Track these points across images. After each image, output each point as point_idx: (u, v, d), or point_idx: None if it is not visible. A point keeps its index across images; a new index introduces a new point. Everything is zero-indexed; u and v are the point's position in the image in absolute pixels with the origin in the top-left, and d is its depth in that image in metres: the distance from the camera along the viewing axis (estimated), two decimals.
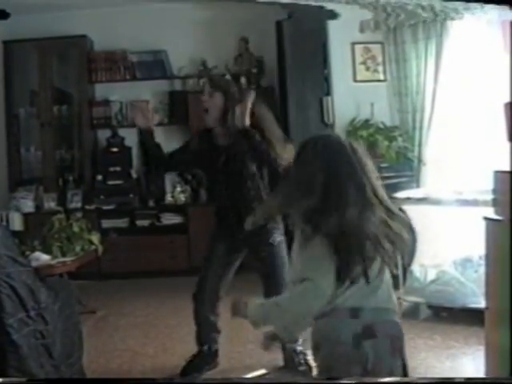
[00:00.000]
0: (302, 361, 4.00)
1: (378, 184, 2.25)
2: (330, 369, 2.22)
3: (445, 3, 5.54)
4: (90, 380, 3.85)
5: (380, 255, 2.16)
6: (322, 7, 6.17)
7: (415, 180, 6.04)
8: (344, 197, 2.15)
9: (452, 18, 5.76)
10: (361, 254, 2.13)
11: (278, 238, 3.89)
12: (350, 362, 2.17)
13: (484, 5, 5.27)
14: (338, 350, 2.19)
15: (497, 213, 3.21)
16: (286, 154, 3.56)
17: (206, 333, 4.08)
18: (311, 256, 2.16)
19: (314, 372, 3.96)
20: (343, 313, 2.18)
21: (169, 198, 7.05)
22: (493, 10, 5.39)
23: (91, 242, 5.24)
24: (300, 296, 2.17)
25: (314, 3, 6.01)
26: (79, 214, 6.23)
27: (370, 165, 2.25)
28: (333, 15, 6.22)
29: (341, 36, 6.30)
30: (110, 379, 3.74)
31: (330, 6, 6.15)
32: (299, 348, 4.02)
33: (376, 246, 2.15)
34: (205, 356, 4.06)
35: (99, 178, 6.97)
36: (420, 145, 6.09)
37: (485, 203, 3.98)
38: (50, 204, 6.88)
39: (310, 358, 4.07)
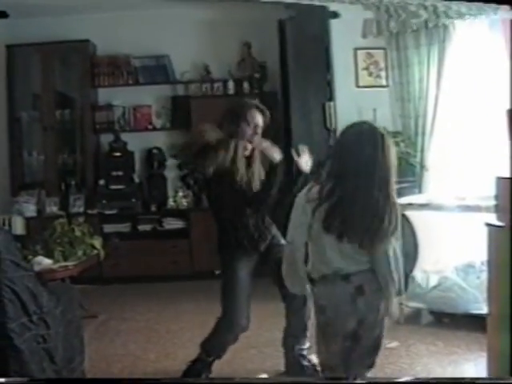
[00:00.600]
0: (310, 365, 3.98)
1: (387, 181, 2.61)
2: (332, 323, 2.74)
3: (447, 3, 5.52)
4: (90, 380, 3.85)
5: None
6: (324, 8, 6.16)
7: (417, 185, 6.02)
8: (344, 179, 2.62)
9: (454, 21, 5.76)
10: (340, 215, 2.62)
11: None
12: (348, 316, 2.70)
13: (485, 5, 5.26)
14: (339, 308, 2.71)
15: (499, 219, 3.21)
16: None
17: (225, 348, 3.97)
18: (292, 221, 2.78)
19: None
20: (337, 279, 2.70)
21: (171, 203, 7.05)
22: (494, 12, 5.39)
23: (93, 247, 5.24)
24: (287, 257, 2.87)
25: (317, 3, 6.01)
26: (81, 219, 6.23)
27: (387, 161, 2.60)
28: (335, 17, 6.21)
29: (343, 41, 6.30)
30: (112, 379, 3.74)
31: (333, 6, 6.14)
32: (305, 352, 4.02)
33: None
34: (207, 362, 4.03)
35: (101, 182, 6.98)
36: (422, 150, 6.08)
37: (487, 209, 3.98)
38: (52, 208, 6.89)
39: (316, 360, 4.08)
